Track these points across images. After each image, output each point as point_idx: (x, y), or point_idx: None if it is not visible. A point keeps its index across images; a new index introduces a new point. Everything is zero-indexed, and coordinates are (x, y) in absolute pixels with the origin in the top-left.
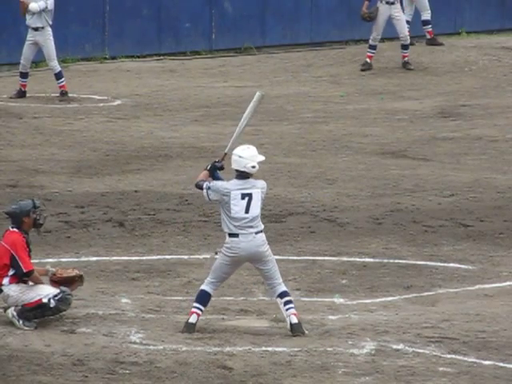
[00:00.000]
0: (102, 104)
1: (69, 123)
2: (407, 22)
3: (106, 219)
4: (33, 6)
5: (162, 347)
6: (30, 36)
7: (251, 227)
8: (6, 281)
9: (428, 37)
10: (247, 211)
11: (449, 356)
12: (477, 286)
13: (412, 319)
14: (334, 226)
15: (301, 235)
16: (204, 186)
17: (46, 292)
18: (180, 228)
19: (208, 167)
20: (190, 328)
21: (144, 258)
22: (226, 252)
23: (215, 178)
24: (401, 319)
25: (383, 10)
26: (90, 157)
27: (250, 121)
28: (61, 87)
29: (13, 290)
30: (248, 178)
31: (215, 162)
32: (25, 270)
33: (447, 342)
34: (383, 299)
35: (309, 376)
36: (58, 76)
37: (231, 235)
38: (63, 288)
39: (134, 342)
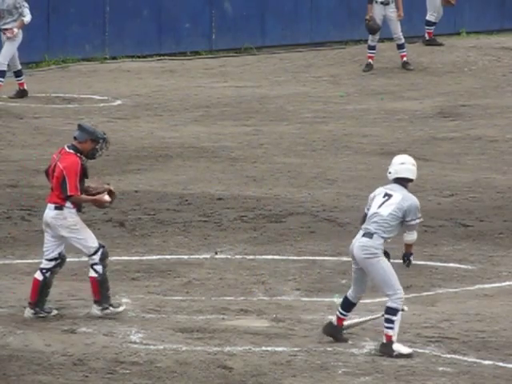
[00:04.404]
0: (102, 104)
1: (69, 123)
2: (432, 23)
3: (106, 219)
4: None
5: (162, 347)
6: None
7: (368, 224)
8: (69, 203)
9: (427, 37)
10: (379, 207)
11: (449, 356)
12: (477, 286)
13: (412, 319)
14: (334, 226)
15: (301, 235)
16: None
17: (90, 243)
18: (180, 228)
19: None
20: (326, 327)
21: (144, 257)
22: None
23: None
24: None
25: (377, 10)
26: None
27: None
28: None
29: (70, 215)
30: (405, 187)
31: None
32: (68, 193)
33: (447, 342)
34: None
35: (309, 376)
36: (1, 75)
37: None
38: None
39: (134, 342)
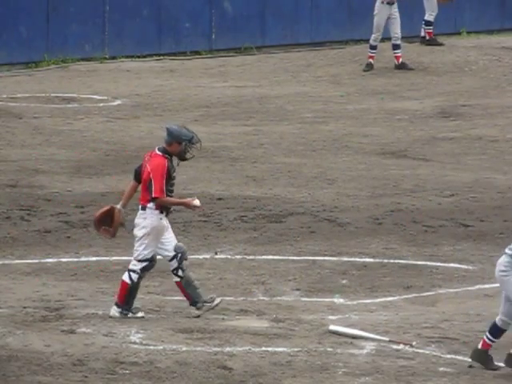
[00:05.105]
0: (102, 104)
1: (69, 123)
2: (432, 22)
3: None
4: None
5: (161, 347)
6: None
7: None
8: (151, 204)
9: (427, 37)
10: None
11: (449, 356)
12: (477, 286)
13: (412, 319)
14: (334, 226)
15: (301, 235)
16: None
17: (146, 251)
18: (180, 228)
19: None
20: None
21: None
22: None
23: None
24: (401, 319)
25: (384, 10)
26: (90, 157)
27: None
28: None
29: (151, 217)
30: None
31: None
32: (153, 195)
33: (447, 342)
34: (383, 299)
35: (309, 376)
36: None
37: None
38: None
39: (134, 342)
